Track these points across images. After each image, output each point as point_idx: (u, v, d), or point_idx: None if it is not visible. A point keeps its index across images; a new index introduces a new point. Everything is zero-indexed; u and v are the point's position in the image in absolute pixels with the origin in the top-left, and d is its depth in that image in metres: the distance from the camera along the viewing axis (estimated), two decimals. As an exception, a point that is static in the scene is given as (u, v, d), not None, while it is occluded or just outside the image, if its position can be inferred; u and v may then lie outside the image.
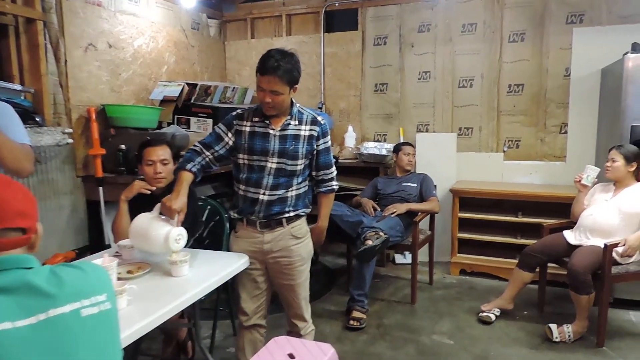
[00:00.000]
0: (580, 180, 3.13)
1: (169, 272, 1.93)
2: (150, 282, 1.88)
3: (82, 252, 3.44)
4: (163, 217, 1.98)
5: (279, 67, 1.95)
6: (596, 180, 3.13)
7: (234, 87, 4.46)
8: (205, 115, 4.04)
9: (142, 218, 1.99)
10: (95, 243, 3.54)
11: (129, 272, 1.95)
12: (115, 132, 3.53)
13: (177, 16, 4.50)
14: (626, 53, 3.28)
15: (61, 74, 3.34)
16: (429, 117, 4.63)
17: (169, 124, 3.99)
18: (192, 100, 4.09)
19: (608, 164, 3.03)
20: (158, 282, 1.88)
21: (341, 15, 4.84)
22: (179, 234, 1.93)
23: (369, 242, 3.06)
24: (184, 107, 4.07)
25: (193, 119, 4.09)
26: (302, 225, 2.19)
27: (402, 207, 3.62)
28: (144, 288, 1.79)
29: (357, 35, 4.75)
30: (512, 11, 4.24)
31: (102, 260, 1.79)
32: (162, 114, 3.93)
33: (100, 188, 3.41)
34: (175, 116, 4.09)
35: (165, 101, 4.02)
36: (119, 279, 1.82)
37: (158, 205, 2.00)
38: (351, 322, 3.15)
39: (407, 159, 3.94)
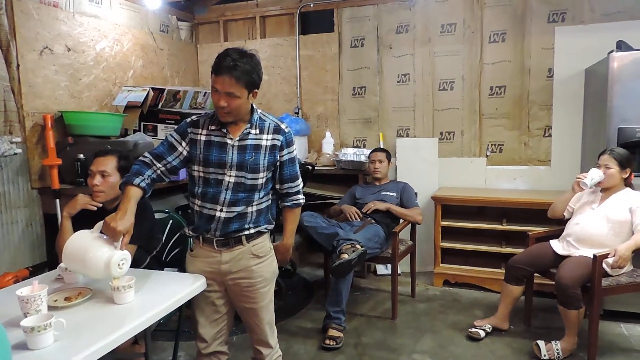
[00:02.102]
0: (582, 180, 2.84)
1: (112, 298, 1.71)
2: (89, 311, 1.65)
3: (38, 269, 3.22)
4: (105, 237, 1.75)
5: (235, 67, 1.74)
6: (594, 187, 2.92)
7: (205, 92, 4.24)
8: (174, 121, 3.83)
9: (80, 237, 1.75)
10: (54, 259, 3.31)
11: (66, 299, 1.73)
12: (74, 140, 3.32)
13: (143, 18, 4.28)
14: (611, 51, 3.13)
15: (13, 79, 3.11)
16: (409, 121, 4.46)
17: (134, 132, 3.77)
18: (159, 106, 3.88)
19: (601, 170, 2.85)
20: (97, 311, 1.65)
21: (317, 16, 4.66)
22: (123, 258, 1.70)
23: (345, 256, 2.86)
24: (150, 113, 3.86)
25: (160, 126, 3.87)
26: (264, 243, 1.98)
27: (381, 205, 3.48)
28: (79, 319, 1.57)
29: (333, 37, 4.58)
30: (492, 10, 4.09)
31: (30, 288, 1.57)
32: (126, 121, 3.72)
33: (57, 200, 3.20)
34: (142, 123, 3.87)
35: (130, 107, 3.81)
36: (50, 308, 1.60)
37: (100, 223, 1.77)
38: (327, 341, 2.94)
39: (373, 167, 3.74)
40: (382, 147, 4.18)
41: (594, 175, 2.84)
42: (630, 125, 3.08)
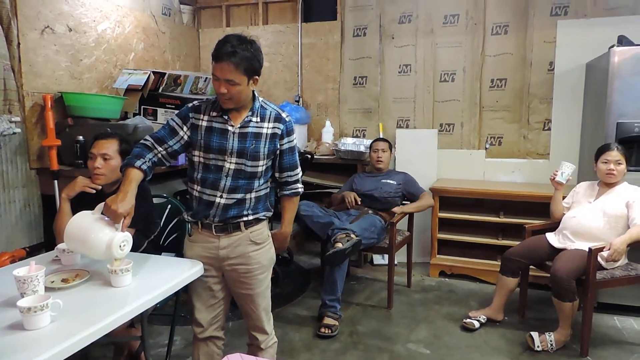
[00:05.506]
0: (554, 178, 3.00)
1: (110, 281, 1.72)
2: (86, 293, 1.66)
3: (35, 250, 3.22)
4: (106, 218, 1.75)
5: (234, 53, 1.74)
6: (570, 177, 3.00)
7: (206, 78, 4.21)
8: (174, 106, 3.81)
9: (82, 218, 1.74)
10: (51, 240, 3.31)
11: (64, 280, 1.73)
12: (73, 122, 3.30)
13: (146, 0, 4.24)
14: (612, 46, 3.13)
15: (13, 58, 3.07)
16: (410, 112, 4.45)
17: (134, 115, 3.76)
18: (160, 90, 3.86)
19: (612, 166, 2.82)
20: (94, 293, 1.66)
21: (320, 4, 4.63)
22: (124, 240, 1.70)
23: (339, 245, 2.87)
24: (151, 97, 3.84)
25: (160, 110, 3.85)
26: (262, 230, 1.99)
27: (398, 210, 3.52)
28: (76, 300, 1.58)
29: (335, 26, 4.55)
30: (495, 2, 4.07)
31: (27, 269, 1.57)
32: (127, 104, 3.70)
33: (56, 182, 3.18)
34: (142, 107, 3.86)
35: (130, 90, 3.79)
36: (47, 289, 1.61)
37: (101, 205, 1.77)
38: (322, 329, 2.96)
39: (376, 156, 3.73)
40: (382, 137, 4.18)
41: (564, 169, 2.98)
42: (629, 120, 3.09)
